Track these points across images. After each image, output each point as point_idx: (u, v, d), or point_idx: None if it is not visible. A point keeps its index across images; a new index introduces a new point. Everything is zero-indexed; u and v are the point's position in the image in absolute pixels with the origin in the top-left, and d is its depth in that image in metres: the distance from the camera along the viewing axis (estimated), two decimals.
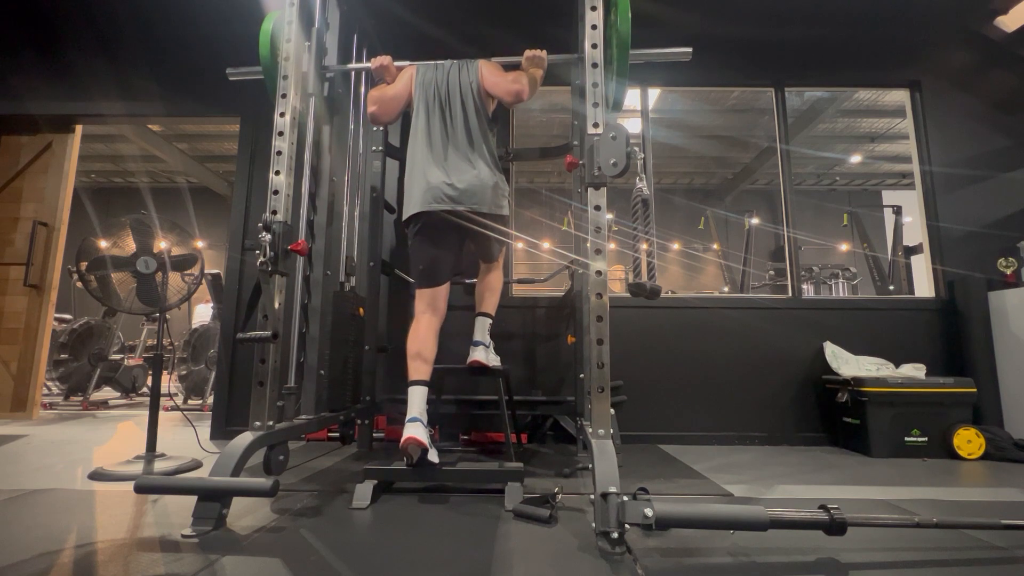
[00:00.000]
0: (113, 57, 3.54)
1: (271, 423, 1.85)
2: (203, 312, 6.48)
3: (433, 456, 1.83)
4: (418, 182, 2.04)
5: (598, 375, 1.71)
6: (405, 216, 2.09)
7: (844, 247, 9.82)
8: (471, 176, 2.01)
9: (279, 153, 1.95)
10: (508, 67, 2.20)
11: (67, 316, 5.27)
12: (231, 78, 2.37)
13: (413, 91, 2.17)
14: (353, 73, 2.71)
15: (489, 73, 2.12)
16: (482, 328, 2.32)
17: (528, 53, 2.18)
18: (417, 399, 1.89)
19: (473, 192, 1.99)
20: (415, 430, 1.79)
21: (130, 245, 2.48)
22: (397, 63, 2.25)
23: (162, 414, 2.49)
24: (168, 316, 2.50)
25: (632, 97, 3.46)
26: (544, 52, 2.18)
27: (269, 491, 1.50)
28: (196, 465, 2.29)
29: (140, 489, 1.55)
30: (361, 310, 2.63)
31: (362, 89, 2.82)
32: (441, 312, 2.13)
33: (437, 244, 2.07)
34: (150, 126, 8.44)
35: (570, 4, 2.58)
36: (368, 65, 2.28)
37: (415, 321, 2.08)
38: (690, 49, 2.21)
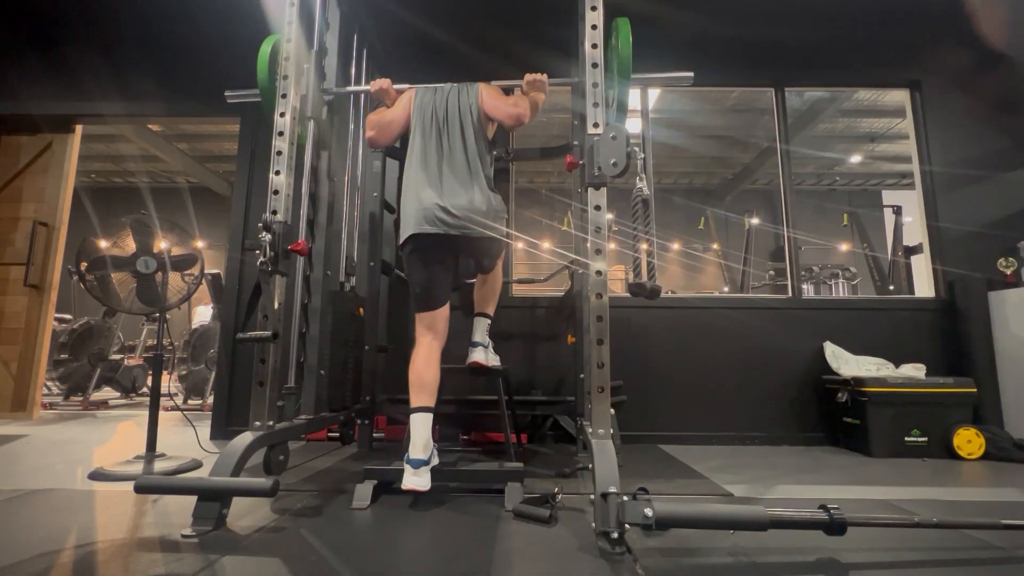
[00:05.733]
0: (113, 57, 3.54)
1: (271, 423, 1.85)
2: (203, 312, 6.49)
3: (433, 457, 1.82)
4: (411, 203, 2.00)
5: (598, 375, 1.71)
6: (400, 240, 2.05)
7: (844, 247, 9.80)
8: (465, 200, 1.96)
9: (279, 153, 1.95)
10: (508, 91, 2.20)
11: (67, 316, 5.27)
12: (229, 100, 2.36)
13: (411, 114, 2.14)
14: (353, 71, 2.71)
15: (489, 96, 2.10)
16: (481, 329, 2.31)
17: (529, 77, 2.16)
18: (420, 429, 1.79)
19: (468, 217, 1.95)
20: (417, 481, 1.70)
21: (130, 245, 2.48)
22: (397, 86, 2.23)
23: (162, 414, 2.49)
24: (168, 316, 2.50)
25: (632, 97, 3.45)
26: (545, 76, 2.16)
27: (269, 491, 1.50)
28: (196, 465, 2.29)
29: (140, 489, 1.56)
30: (361, 310, 2.63)
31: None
32: (442, 335, 2.05)
33: (431, 265, 2.02)
34: (150, 126, 8.44)
35: (570, 4, 2.58)
36: (367, 88, 2.27)
37: (416, 347, 2.02)
38: (691, 74, 2.27)
